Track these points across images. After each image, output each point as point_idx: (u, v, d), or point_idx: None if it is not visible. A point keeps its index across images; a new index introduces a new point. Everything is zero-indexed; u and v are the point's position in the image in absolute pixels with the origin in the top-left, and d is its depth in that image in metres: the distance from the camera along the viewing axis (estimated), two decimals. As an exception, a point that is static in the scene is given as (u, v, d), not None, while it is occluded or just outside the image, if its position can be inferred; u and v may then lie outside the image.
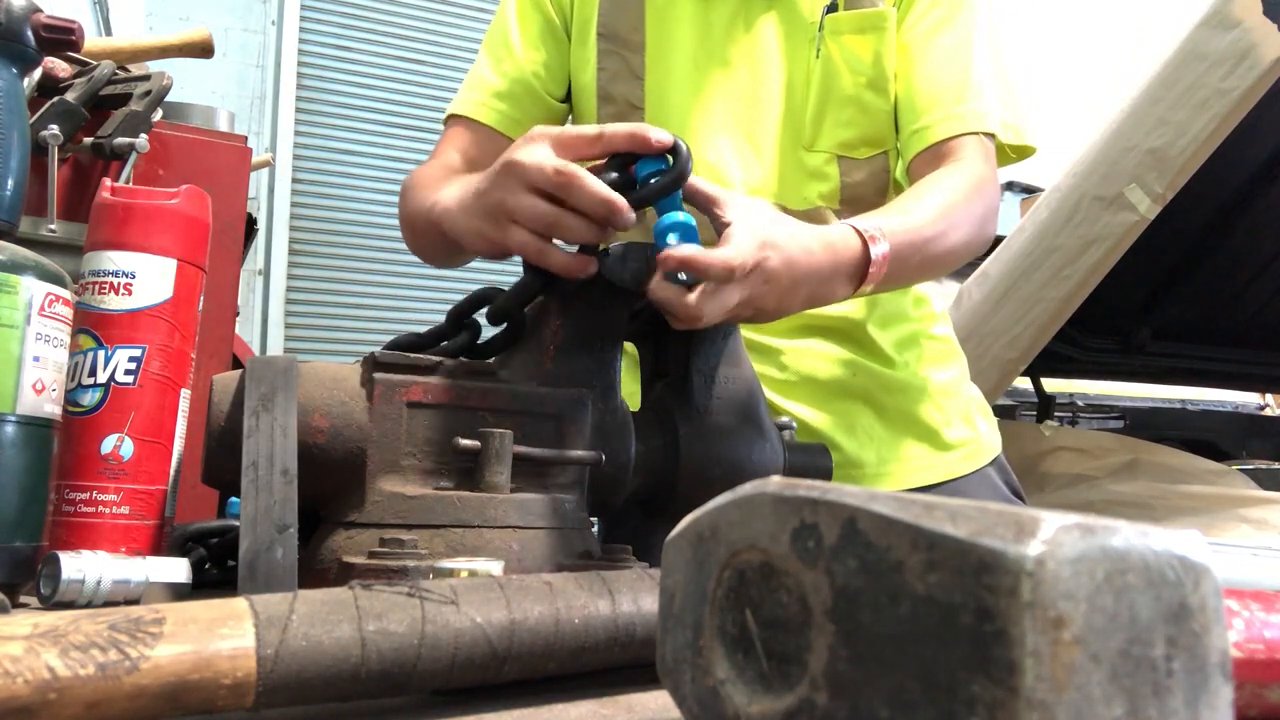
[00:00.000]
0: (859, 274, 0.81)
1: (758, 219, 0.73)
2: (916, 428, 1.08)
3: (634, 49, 1.08)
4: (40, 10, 0.67)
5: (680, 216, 0.71)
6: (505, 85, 1.09)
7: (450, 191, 0.84)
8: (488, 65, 1.12)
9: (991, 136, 1.01)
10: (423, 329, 0.76)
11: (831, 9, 1.04)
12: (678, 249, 0.68)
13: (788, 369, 1.06)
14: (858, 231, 0.81)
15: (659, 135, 0.70)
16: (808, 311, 1.05)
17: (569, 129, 0.72)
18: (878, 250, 0.81)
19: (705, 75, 1.06)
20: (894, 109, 1.05)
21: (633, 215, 0.69)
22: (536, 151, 0.70)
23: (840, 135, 1.03)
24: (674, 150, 0.71)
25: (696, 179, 0.73)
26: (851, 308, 1.07)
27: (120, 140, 1.24)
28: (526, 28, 1.12)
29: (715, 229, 0.73)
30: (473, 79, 1.13)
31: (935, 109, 1.00)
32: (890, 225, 0.84)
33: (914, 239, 0.87)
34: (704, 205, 0.74)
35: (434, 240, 0.94)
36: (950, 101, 1.00)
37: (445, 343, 0.74)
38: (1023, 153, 1.07)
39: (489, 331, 0.76)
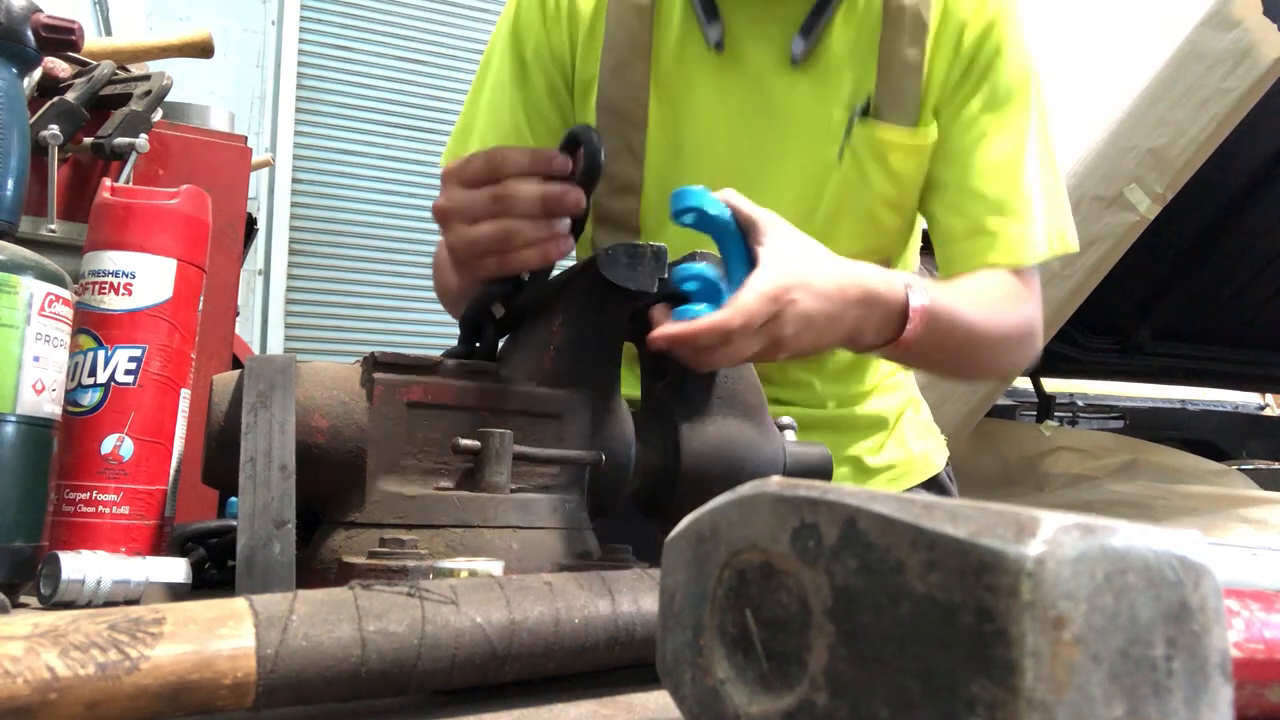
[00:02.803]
0: (898, 323, 0.79)
1: (787, 257, 0.70)
2: (837, 454, 1.05)
3: (635, 125, 1.00)
4: (40, 10, 0.67)
5: (700, 267, 0.70)
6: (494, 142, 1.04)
7: None
8: (476, 123, 1.06)
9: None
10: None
11: (865, 111, 0.96)
12: (665, 329, 0.67)
13: None
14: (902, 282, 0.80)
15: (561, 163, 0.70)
16: None
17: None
18: (916, 300, 0.79)
19: (711, 157, 1.00)
20: (913, 221, 1.02)
21: (581, 197, 0.70)
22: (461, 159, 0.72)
23: (849, 247, 0.98)
24: (578, 142, 0.71)
25: (738, 199, 0.72)
26: None
27: (120, 140, 1.24)
28: (515, 78, 1.05)
29: (749, 258, 0.71)
30: (460, 130, 1.08)
31: (980, 235, 0.95)
32: (935, 290, 0.81)
33: (955, 309, 0.84)
34: (743, 227, 0.72)
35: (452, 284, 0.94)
36: (996, 228, 0.95)
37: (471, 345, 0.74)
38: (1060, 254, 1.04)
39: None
